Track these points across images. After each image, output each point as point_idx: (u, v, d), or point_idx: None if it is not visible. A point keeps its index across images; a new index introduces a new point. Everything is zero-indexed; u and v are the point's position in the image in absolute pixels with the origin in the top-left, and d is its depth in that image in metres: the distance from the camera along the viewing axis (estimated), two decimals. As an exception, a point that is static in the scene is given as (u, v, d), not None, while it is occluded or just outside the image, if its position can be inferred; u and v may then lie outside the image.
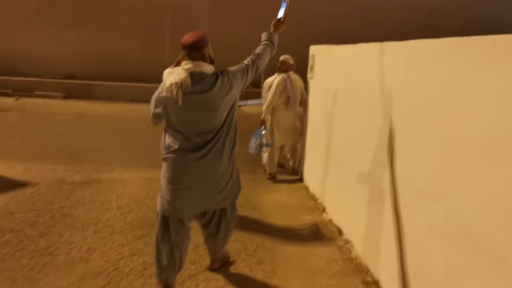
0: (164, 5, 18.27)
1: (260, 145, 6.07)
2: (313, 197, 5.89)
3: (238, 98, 2.99)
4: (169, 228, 2.97)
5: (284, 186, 6.50)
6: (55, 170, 6.82)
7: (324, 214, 5.20)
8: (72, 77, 17.65)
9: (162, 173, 2.93)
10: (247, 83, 2.99)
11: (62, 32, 18.19)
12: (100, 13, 18.25)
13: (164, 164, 2.93)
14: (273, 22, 3.20)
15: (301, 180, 6.67)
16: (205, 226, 3.30)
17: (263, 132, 6.21)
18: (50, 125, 10.88)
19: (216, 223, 3.22)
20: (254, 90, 17.65)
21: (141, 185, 6.22)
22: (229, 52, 18.07)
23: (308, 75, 6.00)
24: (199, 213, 3.13)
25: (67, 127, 10.64)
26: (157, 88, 2.96)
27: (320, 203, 5.54)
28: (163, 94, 2.75)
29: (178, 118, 2.78)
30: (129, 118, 12.51)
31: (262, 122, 6.31)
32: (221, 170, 2.94)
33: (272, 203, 5.72)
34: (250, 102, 16.78)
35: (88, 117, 12.35)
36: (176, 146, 2.81)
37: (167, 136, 2.91)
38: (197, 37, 2.80)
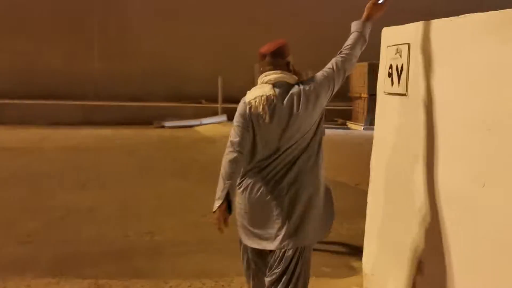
0: (91, 1, 15.01)
1: None
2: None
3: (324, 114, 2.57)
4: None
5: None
6: None
7: None
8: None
9: (238, 204, 2.60)
10: (334, 91, 2.53)
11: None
12: (8, 14, 15.04)
13: (239, 194, 2.59)
14: (368, 4, 2.57)
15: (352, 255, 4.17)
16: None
17: None
18: None
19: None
20: (209, 105, 14.67)
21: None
22: (173, 54, 16.91)
23: (383, 88, 2.97)
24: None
25: None
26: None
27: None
28: (247, 111, 2.45)
29: (262, 138, 2.48)
30: (44, 150, 9.74)
31: None
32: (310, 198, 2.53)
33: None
34: (206, 120, 13.57)
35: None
36: (261, 170, 2.52)
37: (248, 163, 2.55)
38: (281, 43, 2.58)
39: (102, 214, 5.33)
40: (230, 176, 2.45)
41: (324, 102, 2.47)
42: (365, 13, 2.54)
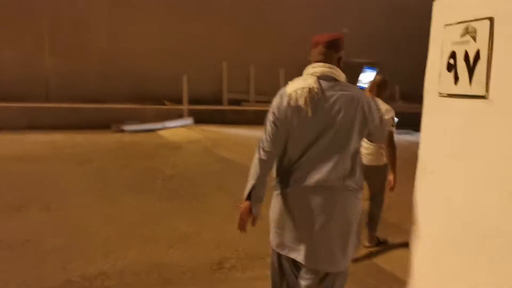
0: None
1: None
2: None
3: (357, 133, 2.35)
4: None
5: None
6: None
7: None
8: None
9: (276, 211, 2.47)
10: (363, 135, 2.39)
11: None
12: None
13: (277, 201, 2.45)
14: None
15: None
16: None
17: None
18: None
19: None
20: (173, 107, 13.55)
21: None
22: (133, 51, 15.62)
23: (437, 87, 2.03)
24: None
25: None
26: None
27: None
28: (284, 103, 2.30)
29: (302, 135, 2.30)
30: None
31: None
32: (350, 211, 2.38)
33: None
34: (170, 123, 12.42)
35: None
36: (298, 174, 2.33)
37: (281, 162, 2.42)
38: (338, 35, 2.42)
39: (41, 249, 4.19)
40: (255, 177, 2.40)
41: (358, 123, 2.29)
42: None
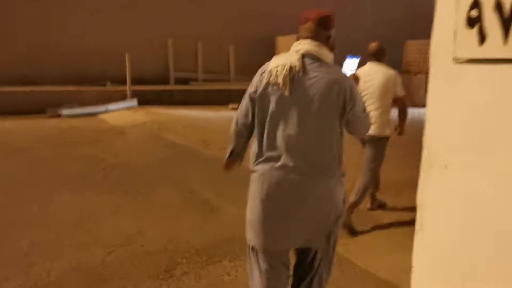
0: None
1: None
2: None
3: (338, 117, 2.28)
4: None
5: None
6: None
7: None
8: None
9: (251, 193, 2.37)
10: (342, 122, 2.30)
11: None
12: None
13: (253, 180, 2.36)
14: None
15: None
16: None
17: None
18: None
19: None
20: (115, 88, 12.62)
21: None
22: (70, 27, 14.23)
23: (452, 49, 1.48)
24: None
25: None
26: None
27: None
28: (264, 80, 2.25)
29: (279, 114, 2.24)
30: None
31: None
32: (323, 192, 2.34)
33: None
34: (113, 106, 11.50)
35: None
36: (272, 154, 2.28)
37: (257, 142, 2.36)
38: (329, 12, 2.32)
39: None
40: (233, 144, 2.51)
41: (338, 108, 2.23)
42: None
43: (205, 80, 15.18)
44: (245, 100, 2.36)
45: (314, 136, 2.22)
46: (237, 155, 2.52)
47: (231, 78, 15.64)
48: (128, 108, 11.55)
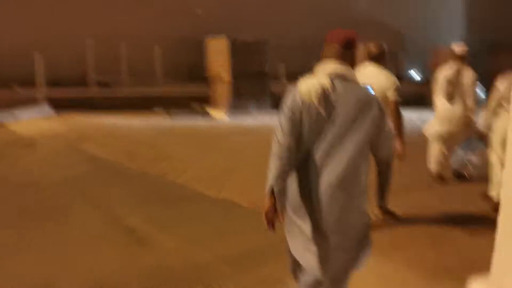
0: None
1: None
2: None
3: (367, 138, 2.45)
4: None
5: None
6: None
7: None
8: None
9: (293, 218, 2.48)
10: (370, 141, 2.45)
11: None
12: None
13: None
14: None
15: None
16: None
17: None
18: None
19: None
20: (24, 92, 11.47)
21: None
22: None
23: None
24: None
25: None
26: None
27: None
28: (298, 101, 2.39)
29: (312, 135, 2.42)
30: None
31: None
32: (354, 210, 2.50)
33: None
34: (22, 113, 10.30)
35: None
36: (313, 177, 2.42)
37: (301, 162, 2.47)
38: (353, 34, 2.53)
39: None
40: (275, 171, 2.41)
41: (370, 129, 2.39)
42: None
43: (129, 84, 14.39)
44: (285, 121, 2.40)
45: (347, 155, 2.35)
46: (279, 187, 2.36)
47: (158, 81, 14.97)
48: (42, 116, 10.46)
